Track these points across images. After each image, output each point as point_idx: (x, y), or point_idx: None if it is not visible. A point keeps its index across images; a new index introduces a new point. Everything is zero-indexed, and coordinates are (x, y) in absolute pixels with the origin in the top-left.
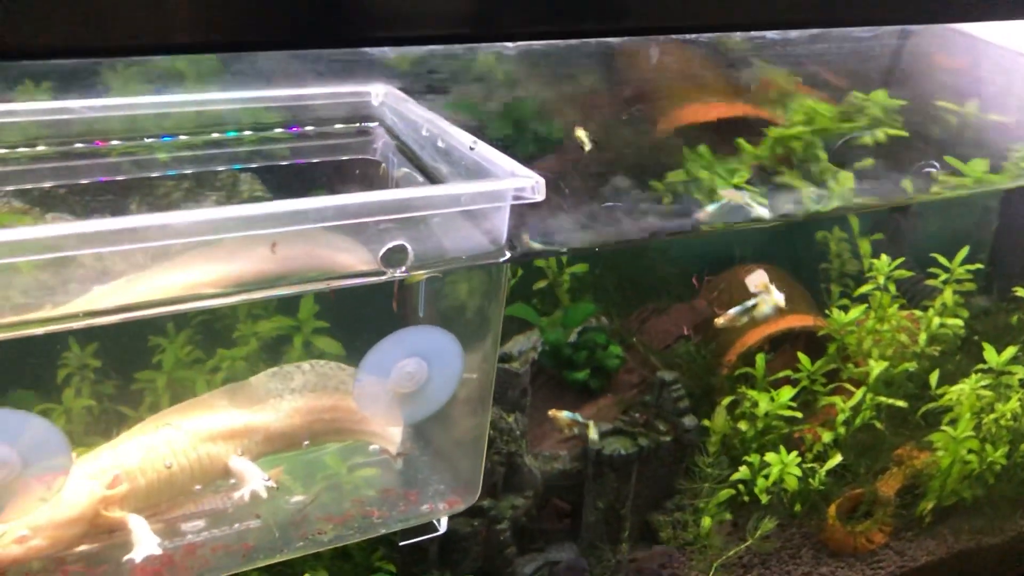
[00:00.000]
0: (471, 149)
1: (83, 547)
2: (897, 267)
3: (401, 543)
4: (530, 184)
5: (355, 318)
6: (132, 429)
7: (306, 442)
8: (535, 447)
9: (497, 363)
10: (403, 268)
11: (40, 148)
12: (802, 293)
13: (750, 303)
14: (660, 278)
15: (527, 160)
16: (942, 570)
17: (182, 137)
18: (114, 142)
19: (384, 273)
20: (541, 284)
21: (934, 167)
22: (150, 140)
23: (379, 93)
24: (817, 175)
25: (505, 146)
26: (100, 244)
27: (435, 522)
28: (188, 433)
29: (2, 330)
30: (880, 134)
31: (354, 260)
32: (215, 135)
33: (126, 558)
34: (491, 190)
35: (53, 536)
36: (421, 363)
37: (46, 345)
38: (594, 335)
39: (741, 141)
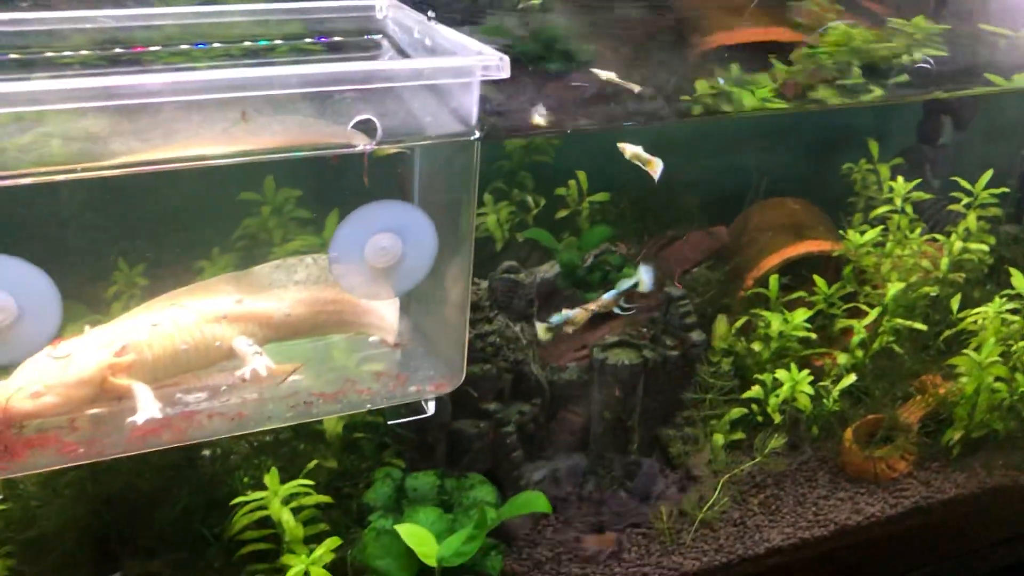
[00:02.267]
0: (423, 25)
1: (93, 410)
2: (914, 189)
3: (390, 422)
4: (495, 61)
5: (329, 194)
6: (142, 306)
7: (309, 332)
8: (547, 364)
9: (501, 273)
10: (371, 142)
11: (83, 53)
12: (826, 223)
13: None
14: (680, 208)
15: (553, 74)
16: (972, 505)
17: (216, 45)
18: (152, 48)
19: (353, 146)
20: (563, 213)
21: (928, 63)
22: (186, 47)
23: (383, 6)
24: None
25: (530, 61)
26: (88, 99)
27: (423, 403)
28: (195, 313)
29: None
30: (917, 54)
31: (324, 134)
32: (247, 44)
33: (129, 420)
34: (455, 65)
35: (64, 395)
36: (395, 238)
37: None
38: (608, 257)
39: (774, 60)
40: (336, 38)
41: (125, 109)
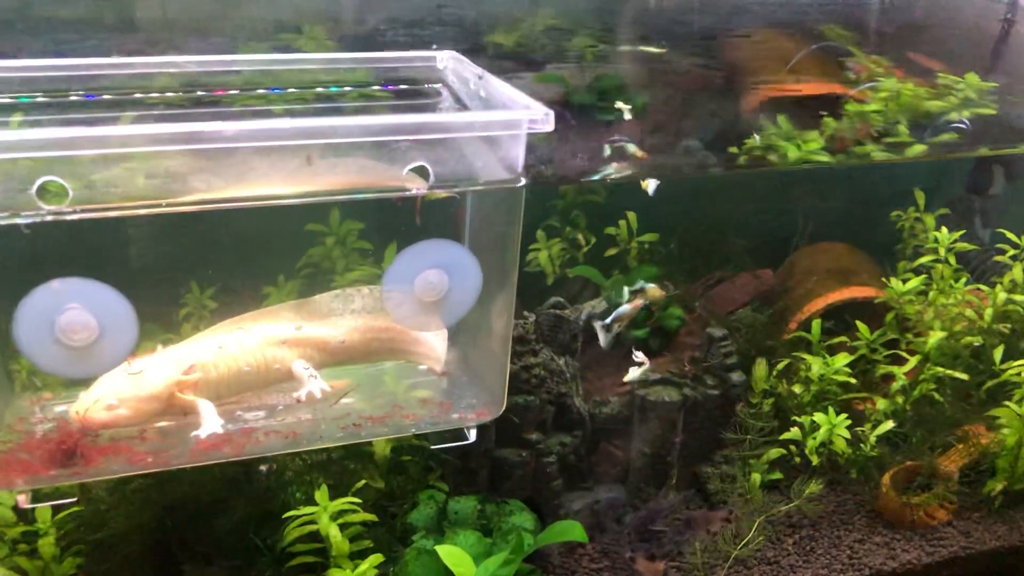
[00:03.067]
0: (479, 79)
1: (161, 423)
2: (957, 240)
3: (433, 447)
4: (541, 115)
5: (387, 231)
6: (210, 329)
7: (363, 359)
8: (590, 398)
9: (547, 310)
10: (424, 186)
11: (169, 95)
12: (871, 269)
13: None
14: (728, 251)
15: (606, 125)
16: (1014, 558)
17: (291, 90)
18: (232, 92)
19: (407, 190)
20: (612, 251)
21: (964, 124)
22: (263, 91)
23: (443, 57)
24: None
25: (584, 111)
26: (169, 143)
27: (465, 431)
28: (258, 337)
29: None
30: (965, 112)
31: (382, 178)
32: (319, 89)
33: (193, 433)
34: (504, 119)
35: (136, 408)
36: (442, 274)
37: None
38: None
39: (825, 115)
40: (401, 86)
41: (204, 151)
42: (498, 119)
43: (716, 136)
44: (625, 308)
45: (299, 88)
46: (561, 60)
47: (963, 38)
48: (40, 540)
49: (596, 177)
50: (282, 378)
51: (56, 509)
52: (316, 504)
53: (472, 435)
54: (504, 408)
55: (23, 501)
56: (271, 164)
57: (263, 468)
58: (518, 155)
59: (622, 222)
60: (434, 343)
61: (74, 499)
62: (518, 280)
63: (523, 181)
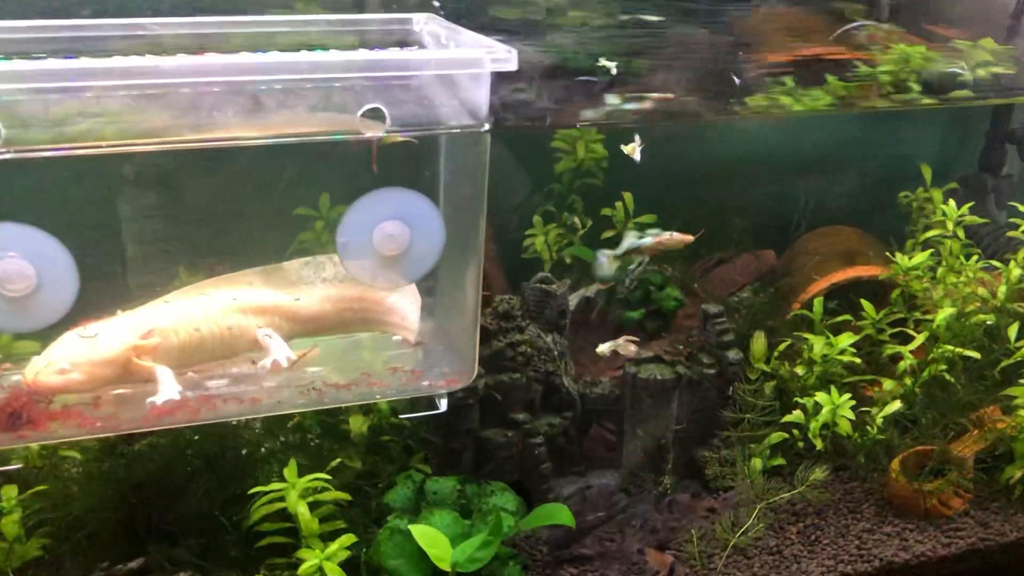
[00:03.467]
0: (451, 33)
1: (118, 390)
2: (967, 214)
3: (400, 415)
4: (503, 53)
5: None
6: (172, 293)
7: (335, 329)
8: (580, 378)
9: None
10: (380, 130)
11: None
12: (878, 250)
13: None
14: (732, 231)
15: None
16: None
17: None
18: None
19: (361, 134)
20: (609, 234)
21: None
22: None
23: (420, 19)
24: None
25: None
26: (106, 78)
27: (436, 400)
28: (222, 303)
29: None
30: (982, 72)
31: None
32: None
33: (149, 400)
34: (463, 57)
35: (90, 373)
36: (402, 226)
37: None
38: (650, 276)
39: (829, 76)
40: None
41: (147, 89)
42: (457, 57)
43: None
44: (647, 240)
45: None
46: (563, 32)
47: (979, 11)
48: (3, 519)
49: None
50: (249, 347)
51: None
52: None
53: (443, 404)
54: (475, 375)
55: None
56: (212, 106)
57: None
58: (482, 98)
59: (618, 203)
60: (407, 312)
61: (18, 466)
62: (515, 265)
63: (487, 126)
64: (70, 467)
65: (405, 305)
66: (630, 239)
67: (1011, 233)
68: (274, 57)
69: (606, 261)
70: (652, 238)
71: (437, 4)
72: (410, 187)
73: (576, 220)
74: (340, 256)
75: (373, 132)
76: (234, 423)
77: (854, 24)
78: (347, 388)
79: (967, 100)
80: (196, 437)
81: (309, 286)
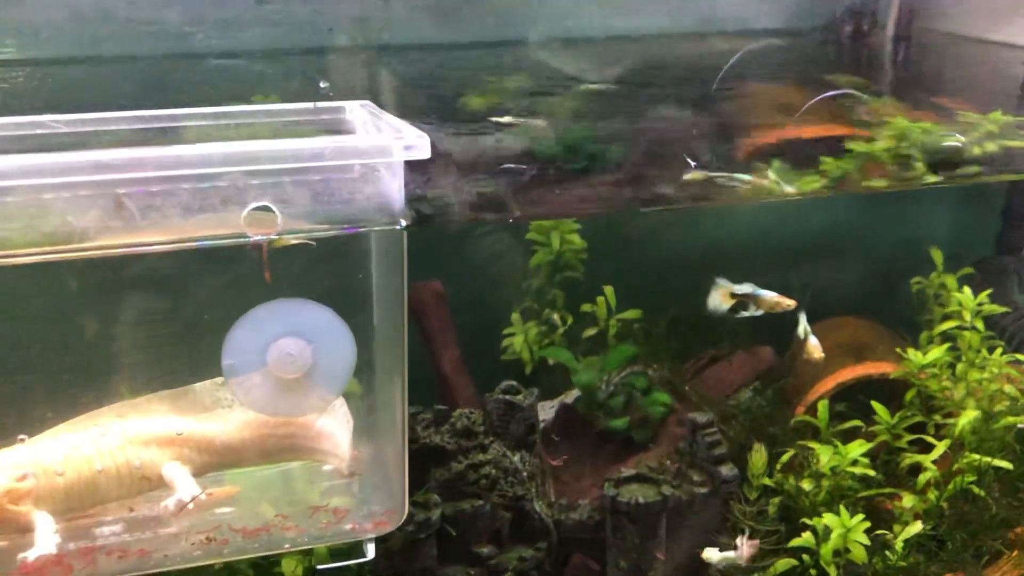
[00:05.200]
0: (377, 120)
1: None
2: (983, 303)
3: (319, 567)
4: (414, 140)
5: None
6: (59, 427)
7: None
8: (556, 501)
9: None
10: (269, 232)
11: None
12: (890, 343)
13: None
14: (725, 326)
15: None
16: None
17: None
18: None
19: (246, 236)
20: (590, 332)
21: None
22: None
23: (352, 107)
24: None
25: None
26: None
27: (364, 545)
28: (119, 435)
29: None
30: (990, 145)
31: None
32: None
33: (20, 555)
34: (368, 145)
35: None
36: (303, 344)
37: None
38: (634, 379)
39: (824, 156)
40: None
41: None
42: (361, 146)
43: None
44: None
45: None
46: (533, 117)
47: (984, 83)
48: None
49: None
50: (154, 485)
51: None
52: None
53: (370, 551)
54: (404, 516)
55: None
56: (71, 207)
57: None
58: (394, 191)
59: (600, 298)
60: (339, 439)
61: None
62: (494, 369)
63: (403, 223)
64: None
65: (336, 430)
66: (752, 286)
67: None
68: (138, 152)
69: (719, 295)
70: (775, 296)
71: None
72: (314, 295)
73: (556, 317)
74: (226, 381)
75: (261, 235)
76: None
77: (839, 92)
78: (253, 535)
79: (976, 177)
80: None
81: (225, 410)
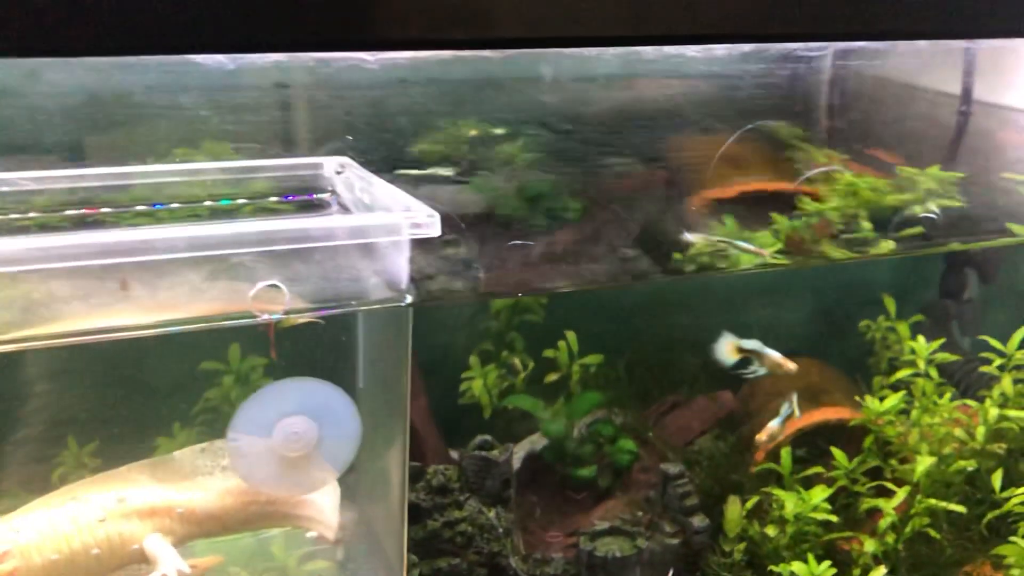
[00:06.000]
0: (363, 183)
1: None
2: (939, 349)
3: None
4: (424, 218)
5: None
6: (34, 502)
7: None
8: (529, 555)
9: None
10: (277, 311)
11: (32, 215)
12: (843, 387)
13: (787, 412)
14: (681, 372)
15: (537, 231)
16: None
17: (175, 205)
18: (104, 209)
19: (254, 316)
20: (552, 377)
21: (935, 214)
22: (144, 208)
23: (331, 163)
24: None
25: (512, 220)
26: None
27: None
28: (98, 508)
29: None
30: (932, 205)
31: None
32: (208, 203)
33: None
34: (378, 223)
35: None
36: (309, 422)
37: None
38: (600, 427)
39: (775, 215)
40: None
41: None
42: (371, 223)
43: (654, 242)
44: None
45: (185, 203)
46: (489, 168)
47: (917, 132)
48: None
49: None
50: (134, 558)
51: None
52: None
53: None
54: None
55: None
56: (74, 290)
57: None
58: (400, 267)
59: (561, 343)
60: (323, 505)
61: None
62: (452, 413)
63: (409, 299)
64: None
65: (320, 497)
66: (759, 343)
67: (984, 368)
68: (144, 233)
69: (726, 347)
70: (777, 354)
71: (350, 139)
72: (318, 373)
73: (517, 361)
74: (231, 461)
75: (268, 314)
76: None
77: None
78: None
79: (931, 246)
80: None
81: (206, 478)
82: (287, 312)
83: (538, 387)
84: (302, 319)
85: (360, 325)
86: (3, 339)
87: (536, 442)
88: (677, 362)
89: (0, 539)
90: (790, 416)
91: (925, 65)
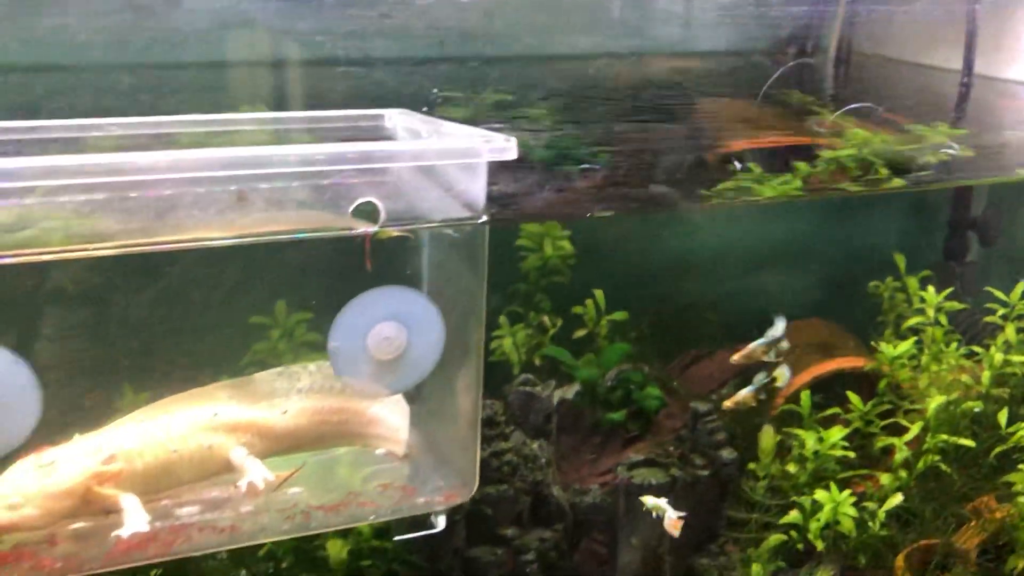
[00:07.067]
0: (430, 127)
1: (76, 524)
2: (946, 298)
3: (396, 538)
4: (502, 143)
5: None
6: (134, 413)
7: (312, 445)
8: (568, 486)
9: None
10: (373, 226)
11: None
12: (855, 343)
13: (762, 380)
14: (704, 326)
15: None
16: None
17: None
18: None
19: (353, 228)
20: (581, 333)
21: (954, 148)
22: None
23: (392, 115)
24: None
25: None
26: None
27: (432, 519)
28: (189, 422)
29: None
30: (942, 154)
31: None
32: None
33: (114, 533)
34: (461, 147)
35: (45, 506)
36: (399, 327)
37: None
38: (630, 374)
39: (797, 162)
40: None
41: (120, 187)
42: (455, 147)
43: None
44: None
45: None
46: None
47: (920, 101)
48: None
49: None
50: (219, 469)
51: None
52: None
53: (440, 523)
54: (475, 490)
55: None
56: (195, 204)
57: None
58: (478, 189)
59: (589, 301)
60: (393, 423)
61: None
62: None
63: (485, 218)
64: None
65: (389, 415)
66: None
67: (988, 318)
68: (263, 150)
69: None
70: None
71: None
72: (403, 285)
73: (546, 319)
74: (332, 363)
75: (365, 227)
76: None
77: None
78: (335, 510)
79: (938, 182)
80: (154, 573)
81: (283, 399)
82: (382, 226)
83: (567, 343)
84: (395, 233)
85: (441, 241)
86: (141, 242)
87: (567, 391)
88: (699, 318)
89: (107, 444)
90: (765, 385)
91: (923, 44)
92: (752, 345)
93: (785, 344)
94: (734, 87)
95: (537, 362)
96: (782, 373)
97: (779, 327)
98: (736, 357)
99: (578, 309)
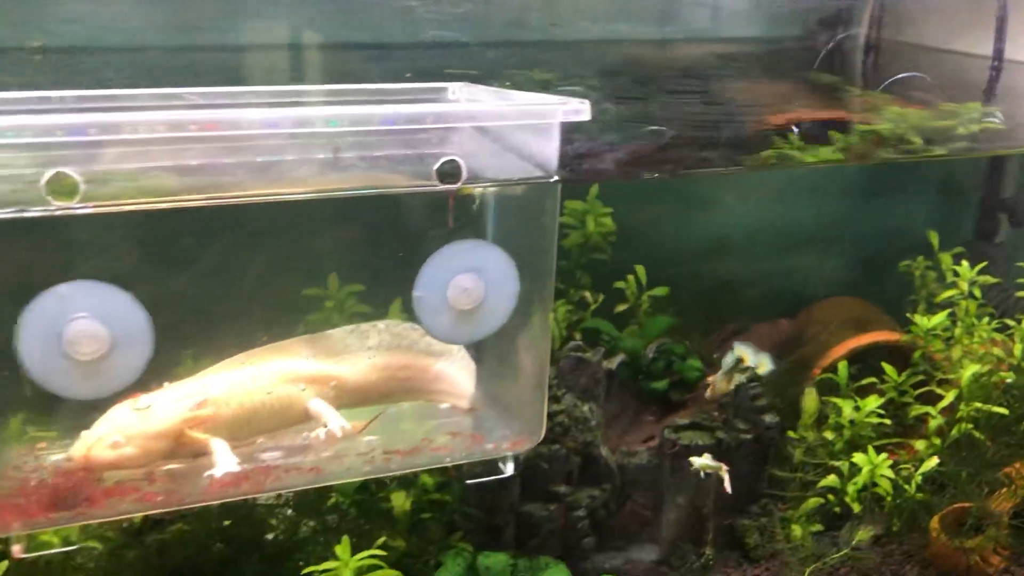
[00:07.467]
0: (496, 95)
1: (170, 465)
2: (980, 272)
3: (468, 480)
4: (577, 105)
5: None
6: (220, 364)
7: (381, 399)
8: (616, 448)
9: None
10: (455, 183)
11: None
12: (887, 319)
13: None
14: (742, 302)
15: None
16: None
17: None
18: None
19: (437, 186)
20: (622, 307)
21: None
22: None
23: (455, 87)
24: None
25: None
26: (186, 130)
27: (500, 465)
28: (271, 373)
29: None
30: (975, 127)
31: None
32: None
33: (207, 474)
34: (538, 108)
35: (143, 446)
36: (477, 279)
37: None
38: (671, 346)
39: (834, 132)
40: None
41: (226, 142)
42: (532, 108)
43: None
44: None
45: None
46: None
47: (949, 83)
48: None
49: None
50: (298, 418)
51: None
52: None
53: (509, 468)
54: (542, 437)
55: (18, 551)
56: (299, 156)
57: (269, 538)
58: (551, 149)
59: (630, 276)
60: (458, 378)
61: (74, 546)
62: None
63: (556, 177)
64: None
65: (454, 371)
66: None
67: (1021, 293)
68: (356, 109)
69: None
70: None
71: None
72: (481, 240)
73: (587, 295)
74: (415, 311)
75: (449, 185)
76: (263, 506)
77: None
78: (412, 454)
79: (971, 152)
80: (226, 523)
81: (354, 354)
82: (464, 183)
83: (608, 318)
84: (475, 190)
85: (515, 201)
86: (244, 194)
87: (611, 362)
88: (737, 294)
89: (199, 389)
90: (735, 367)
91: (951, 30)
92: (713, 379)
93: (746, 364)
94: (770, 69)
95: (578, 337)
96: (763, 362)
97: (730, 358)
98: (707, 395)
99: (619, 284)
